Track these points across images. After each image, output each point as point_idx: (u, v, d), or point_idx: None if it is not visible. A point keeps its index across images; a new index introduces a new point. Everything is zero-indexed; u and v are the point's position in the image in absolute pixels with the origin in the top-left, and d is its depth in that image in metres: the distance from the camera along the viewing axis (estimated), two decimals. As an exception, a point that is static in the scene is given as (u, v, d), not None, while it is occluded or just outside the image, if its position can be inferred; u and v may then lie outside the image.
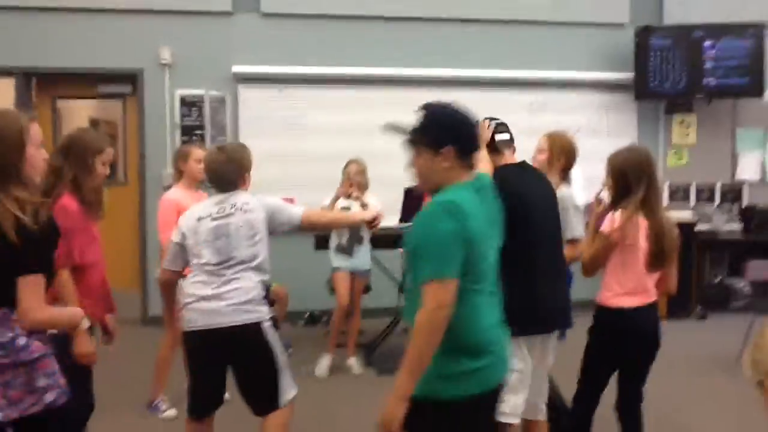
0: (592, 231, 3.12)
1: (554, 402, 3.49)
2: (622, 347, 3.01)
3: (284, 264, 5.51)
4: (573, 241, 3.31)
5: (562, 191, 3.34)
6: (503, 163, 2.89)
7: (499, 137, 2.93)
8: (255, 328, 2.89)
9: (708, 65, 6.58)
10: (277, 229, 3.04)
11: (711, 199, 6.97)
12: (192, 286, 2.93)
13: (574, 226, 3.32)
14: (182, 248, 2.98)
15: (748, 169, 6.97)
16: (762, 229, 6.62)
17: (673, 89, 6.64)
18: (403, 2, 6.48)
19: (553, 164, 3.47)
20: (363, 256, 5.08)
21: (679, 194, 6.95)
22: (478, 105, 5.92)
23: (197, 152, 4.17)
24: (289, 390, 2.96)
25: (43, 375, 2.04)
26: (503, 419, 2.64)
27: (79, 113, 6.94)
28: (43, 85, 6.51)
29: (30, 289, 2.01)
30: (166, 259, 3.05)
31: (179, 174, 4.26)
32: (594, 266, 3.05)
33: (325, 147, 6.29)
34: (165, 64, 6.26)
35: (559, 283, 2.92)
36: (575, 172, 3.58)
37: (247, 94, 6.35)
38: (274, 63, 6.32)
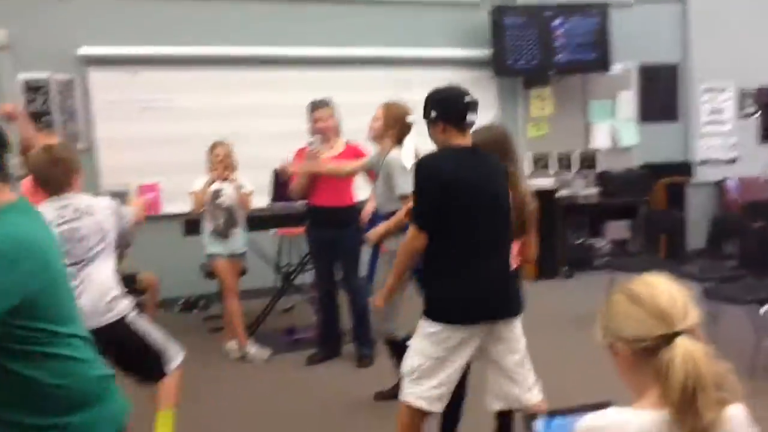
0: None
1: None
2: None
3: (152, 251, 5.31)
4: (404, 197, 3.43)
5: (390, 155, 3.68)
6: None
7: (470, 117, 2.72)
8: (121, 323, 2.92)
9: (558, 42, 6.90)
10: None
11: (569, 166, 7.35)
12: None
13: (401, 185, 3.53)
14: None
15: (600, 138, 7.39)
16: (616, 193, 7.06)
17: (528, 65, 6.91)
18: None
19: (387, 131, 3.65)
20: (239, 239, 4.92)
21: (541, 163, 7.27)
22: (344, 83, 5.89)
23: (42, 141, 3.89)
24: (174, 358, 3.09)
25: None
26: (411, 401, 2.69)
27: None
28: None
29: None
30: None
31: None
32: None
33: (186, 130, 6.05)
34: (2, 46, 5.75)
35: (495, 272, 2.70)
36: (409, 139, 3.74)
37: (99, 77, 5.95)
38: (125, 43, 5.95)
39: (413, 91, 6.61)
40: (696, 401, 1.28)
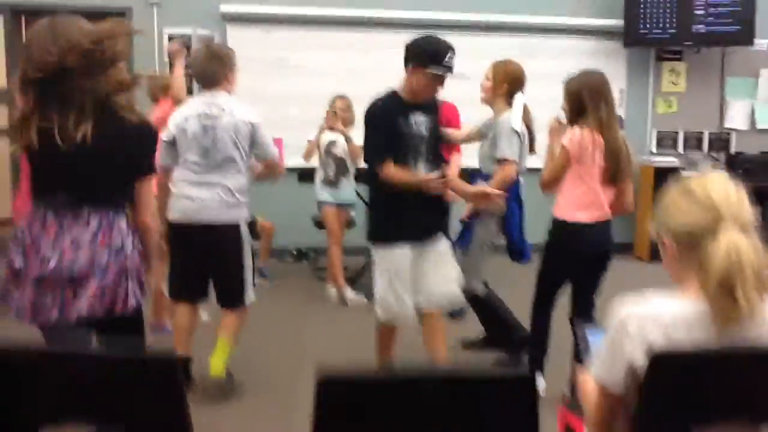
0: (550, 149, 3.19)
1: (508, 320, 3.71)
2: (576, 258, 3.09)
3: (268, 199, 5.63)
4: (501, 161, 3.42)
5: (501, 117, 3.61)
6: None
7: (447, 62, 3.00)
8: (235, 228, 3.22)
9: (698, 12, 6.55)
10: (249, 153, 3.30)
11: (699, 147, 6.99)
12: (180, 183, 3.20)
13: (503, 148, 3.51)
14: (172, 146, 3.22)
15: (736, 118, 6.97)
16: (748, 175, 6.64)
17: (662, 35, 6.62)
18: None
19: (497, 90, 3.60)
20: (348, 189, 5.14)
21: (667, 142, 6.96)
22: (468, 49, 5.96)
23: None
24: (251, 292, 3.34)
25: (136, 283, 2.11)
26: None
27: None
28: (32, 23, 6.50)
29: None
30: (159, 156, 3.17)
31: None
32: (553, 180, 3.13)
33: (311, 88, 6.30)
34: (153, 3, 6.25)
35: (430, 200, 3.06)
36: (518, 98, 3.66)
37: (236, 33, 6.35)
38: (261, 2, 6.30)
39: (538, 59, 6.60)
40: (735, 292, 1.27)
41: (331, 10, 6.39)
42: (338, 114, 5.06)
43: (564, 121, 3.19)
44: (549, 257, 3.21)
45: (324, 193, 5.14)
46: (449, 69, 2.96)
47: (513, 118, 3.58)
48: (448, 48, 2.97)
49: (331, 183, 5.09)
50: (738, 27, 6.53)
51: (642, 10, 6.57)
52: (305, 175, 5.41)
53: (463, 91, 3.94)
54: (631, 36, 6.63)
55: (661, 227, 1.44)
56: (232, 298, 3.30)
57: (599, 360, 1.44)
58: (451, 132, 3.68)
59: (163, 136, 3.17)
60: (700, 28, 6.56)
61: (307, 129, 5.36)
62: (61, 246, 2.00)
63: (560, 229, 3.13)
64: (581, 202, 3.06)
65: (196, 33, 6.27)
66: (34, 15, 6.35)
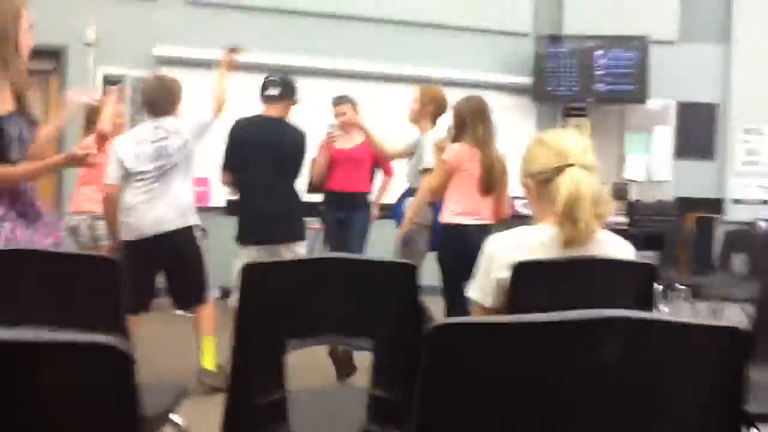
0: (438, 163, 3.62)
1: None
2: (464, 257, 3.46)
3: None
4: (427, 170, 3.83)
5: (427, 133, 4.03)
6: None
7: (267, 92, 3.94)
8: (189, 231, 3.55)
9: (598, 72, 7.24)
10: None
11: (602, 196, 7.57)
12: (133, 197, 3.47)
13: (428, 158, 3.90)
14: (122, 168, 3.50)
15: (634, 170, 7.62)
16: (645, 221, 7.24)
17: (568, 93, 7.27)
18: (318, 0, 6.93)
19: (423, 111, 4.03)
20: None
21: (574, 191, 7.52)
22: (390, 99, 6.32)
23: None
24: (211, 288, 3.66)
25: None
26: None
27: (-1, 89, 7.02)
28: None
29: None
30: (108, 176, 3.44)
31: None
32: (437, 187, 3.53)
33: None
34: (89, 43, 6.48)
35: (273, 207, 3.71)
36: (443, 119, 4.10)
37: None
38: (196, 46, 6.60)
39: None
40: (575, 212, 1.60)
41: (262, 57, 6.75)
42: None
43: (445, 144, 3.65)
44: (443, 260, 3.54)
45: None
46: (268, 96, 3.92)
47: (438, 133, 3.98)
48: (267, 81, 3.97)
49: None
50: (633, 86, 7.25)
51: (549, 70, 7.22)
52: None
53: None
54: (539, 92, 7.25)
55: (524, 174, 1.78)
56: (194, 300, 3.60)
57: (474, 284, 1.73)
58: (384, 145, 4.23)
59: (112, 159, 3.53)
60: (601, 86, 7.25)
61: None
62: None
63: (446, 231, 3.50)
64: (461, 208, 3.46)
65: (131, 75, 6.50)
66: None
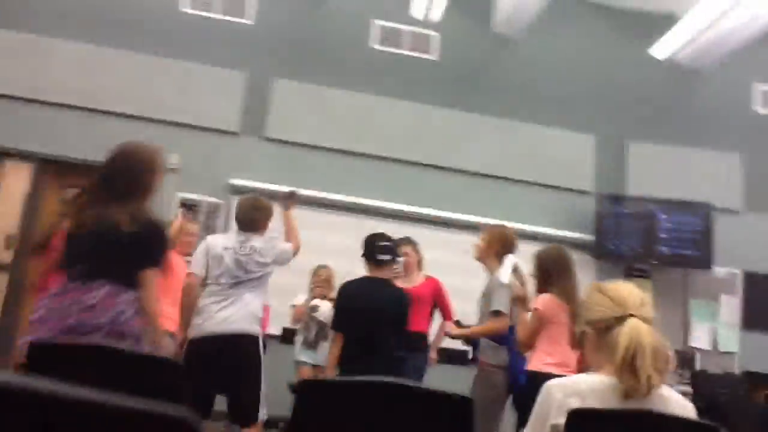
0: (520, 318, 3.58)
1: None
2: None
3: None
4: (496, 313, 3.78)
5: (495, 275, 3.98)
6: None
7: (379, 256, 3.94)
8: (255, 340, 3.63)
9: (662, 235, 7.23)
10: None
11: (664, 362, 7.30)
12: (206, 299, 3.61)
13: (498, 300, 3.80)
14: (206, 257, 3.72)
15: (699, 338, 7.37)
16: (709, 396, 6.88)
17: (630, 253, 7.24)
18: (390, 145, 7.27)
19: (489, 251, 4.06)
20: (326, 352, 5.35)
21: (634, 353, 7.28)
22: (454, 246, 6.51)
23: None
24: (263, 407, 3.68)
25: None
26: None
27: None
28: (55, 174, 7.10)
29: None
30: (193, 265, 3.70)
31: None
32: (528, 338, 3.45)
33: (303, 262, 6.73)
34: (172, 168, 6.90)
35: (377, 364, 3.61)
36: (509, 257, 4.06)
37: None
38: (267, 181, 6.95)
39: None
40: (635, 363, 1.58)
41: (332, 195, 7.04)
42: (323, 280, 5.44)
43: (520, 291, 3.63)
44: (526, 406, 3.42)
45: (302, 355, 5.37)
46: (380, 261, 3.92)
47: (502, 273, 3.96)
48: (382, 245, 3.98)
49: (311, 345, 5.34)
50: (698, 252, 7.17)
51: (611, 228, 7.25)
52: (288, 335, 5.67)
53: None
54: (601, 250, 7.24)
55: (583, 323, 1.77)
56: (247, 414, 3.61)
57: (530, 426, 1.69)
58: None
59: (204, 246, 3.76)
60: (664, 249, 7.20)
61: (289, 296, 5.71)
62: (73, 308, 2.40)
63: (533, 380, 3.38)
64: (554, 359, 3.36)
65: (205, 200, 6.85)
66: (58, 166, 6.97)
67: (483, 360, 3.99)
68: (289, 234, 4.18)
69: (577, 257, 7.24)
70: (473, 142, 7.46)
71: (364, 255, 4.02)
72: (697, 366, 7.28)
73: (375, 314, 3.78)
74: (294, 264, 6.57)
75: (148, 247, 2.55)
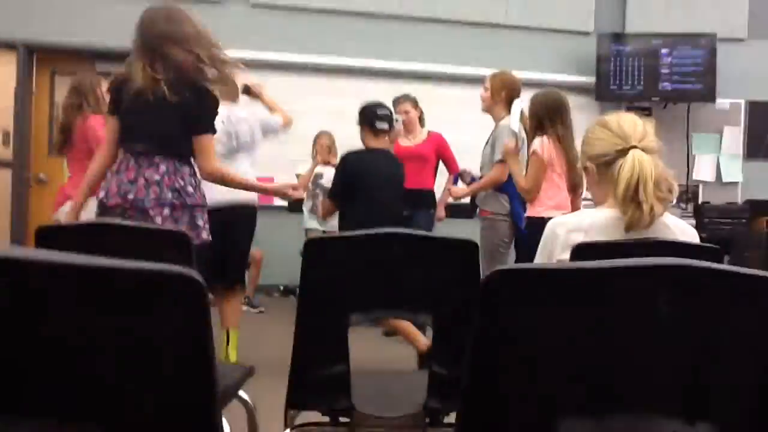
0: (514, 169, 3.56)
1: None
2: None
3: (261, 235, 5.92)
4: (500, 162, 3.77)
5: (501, 122, 3.88)
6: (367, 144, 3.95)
7: (378, 125, 3.89)
8: (251, 209, 3.85)
9: (664, 71, 7.08)
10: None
11: (668, 198, 7.40)
12: None
13: (502, 148, 3.77)
14: None
15: (703, 171, 7.41)
16: (713, 225, 7.03)
17: (632, 91, 7.13)
18: (379, 1, 7.00)
19: (495, 98, 3.96)
20: (334, 218, 5.43)
21: (638, 192, 7.37)
22: (451, 99, 6.39)
23: None
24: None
25: (201, 217, 2.59)
26: None
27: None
28: (43, 59, 6.92)
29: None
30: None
31: None
32: (536, 186, 3.44)
33: (296, 129, 6.69)
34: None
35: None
36: (516, 103, 3.98)
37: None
38: (258, 49, 6.76)
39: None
40: (637, 194, 1.59)
41: (322, 58, 6.86)
42: (325, 148, 5.43)
43: (512, 143, 3.60)
44: (526, 249, 3.51)
45: (311, 222, 5.46)
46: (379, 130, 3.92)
47: (511, 120, 3.89)
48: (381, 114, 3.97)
49: (318, 213, 5.40)
50: (701, 86, 7.06)
51: (612, 69, 7.10)
52: (295, 206, 5.74)
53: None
54: (602, 91, 7.13)
55: (584, 156, 1.77)
56: (234, 277, 3.80)
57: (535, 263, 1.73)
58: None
59: None
60: (666, 85, 7.08)
61: (294, 167, 5.72)
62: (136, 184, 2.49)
63: (535, 225, 3.40)
64: (554, 202, 3.41)
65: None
66: (45, 52, 6.78)
67: (485, 210, 4.01)
68: (273, 112, 4.20)
69: (579, 101, 7.24)
70: (466, -10, 7.16)
71: (361, 123, 4.01)
72: (701, 199, 7.38)
73: (380, 189, 3.87)
74: (296, 133, 6.60)
75: (205, 114, 2.60)
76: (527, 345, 0.75)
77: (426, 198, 4.92)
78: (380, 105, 4.00)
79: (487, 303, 0.72)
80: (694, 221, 7.17)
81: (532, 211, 3.47)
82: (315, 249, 1.40)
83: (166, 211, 2.49)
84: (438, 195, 5.14)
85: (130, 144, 2.59)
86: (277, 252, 6.18)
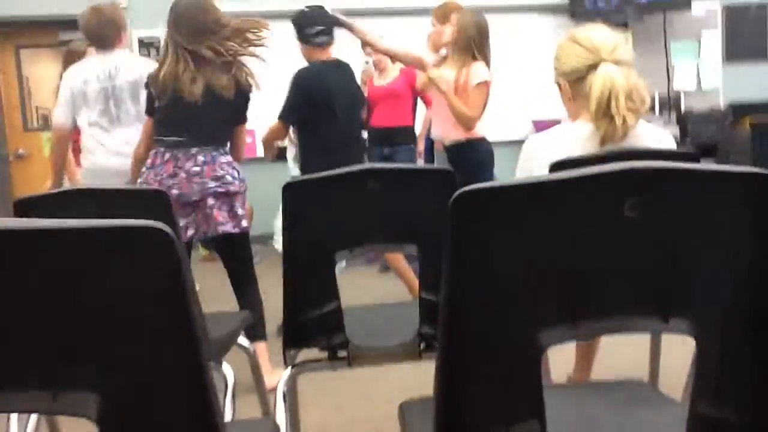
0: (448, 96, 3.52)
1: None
2: None
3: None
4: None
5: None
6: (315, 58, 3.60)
7: (317, 40, 3.59)
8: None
9: (638, -19, 6.97)
10: None
11: (651, 109, 7.37)
12: (90, 147, 3.30)
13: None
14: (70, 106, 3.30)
15: (683, 79, 7.38)
16: (698, 133, 7.05)
17: (606, 7, 7.03)
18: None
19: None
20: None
21: (620, 107, 7.35)
22: (418, 32, 6.17)
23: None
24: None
25: (240, 206, 2.64)
26: None
27: (42, 62, 7.20)
28: (5, 34, 6.77)
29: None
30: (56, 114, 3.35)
31: None
32: (481, 115, 3.47)
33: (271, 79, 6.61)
34: (123, 7, 6.54)
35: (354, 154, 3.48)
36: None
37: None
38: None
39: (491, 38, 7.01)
40: (609, 108, 1.60)
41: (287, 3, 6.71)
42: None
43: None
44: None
45: (296, 170, 5.43)
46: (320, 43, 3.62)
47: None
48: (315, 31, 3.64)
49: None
50: (675, -7, 6.97)
51: (585, -16, 6.99)
52: (279, 152, 5.70)
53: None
54: (576, 9, 7.03)
55: (558, 74, 1.77)
56: None
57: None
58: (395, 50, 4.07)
59: (61, 95, 3.32)
60: (640, -3, 6.99)
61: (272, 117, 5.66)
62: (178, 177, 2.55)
63: (480, 145, 3.59)
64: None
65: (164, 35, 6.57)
66: (6, 26, 6.62)
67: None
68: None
69: (552, 21, 7.15)
70: None
71: (300, 40, 3.72)
72: (683, 108, 7.37)
73: (343, 107, 3.58)
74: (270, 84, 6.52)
75: (243, 107, 2.74)
76: (500, 261, 0.77)
77: (406, 134, 4.93)
78: (311, 17, 3.71)
79: (455, 224, 0.74)
80: (677, 130, 7.19)
81: (470, 134, 3.50)
82: (293, 192, 1.41)
83: (211, 200, 2.56)
84: (418, 130, 5.15)
85: (164, 137, 2.64)
86: (267, 201, 6.18)
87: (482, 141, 3.58)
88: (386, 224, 1.45)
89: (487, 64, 3.60)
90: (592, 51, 1.67)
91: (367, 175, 1.37)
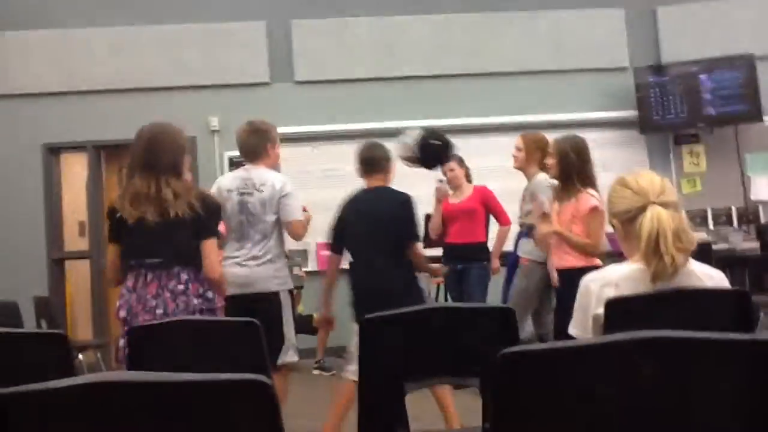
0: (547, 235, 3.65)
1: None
2: None
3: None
4: (545, 215, 3.85)
5: (537, 178, 4.21)
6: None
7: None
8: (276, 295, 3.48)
9: (706, 96, 7.10)
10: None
11: (728, 222, 7.31)
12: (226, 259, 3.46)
13: (544, 201, 3.90)
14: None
15: (761, 190, 7.32)
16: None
17: (676, 121, 7.16)
18: (417, 63, 7.29)
19: (530, 158, 4.19)
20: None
21: (697, 219, 7.31)
22: (502, 149, 6.43)
23: None
24: (289, 356, 3.47)
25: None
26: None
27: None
28: (110, 157, 7.45)
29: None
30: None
31: None
32: (601, 243, 3.51)
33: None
34: (214, 130, 7.14)
35: (374, 279, 3.53)
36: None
37: (286, 152, 7.11)
38: (307, 123, 7.12)
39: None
40: (659, 247, 1.73)
41: (370, 124, 7.14)
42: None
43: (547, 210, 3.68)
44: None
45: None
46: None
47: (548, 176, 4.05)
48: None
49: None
50: (745, 106, 7.04)
51: (653, 100, 7.16)
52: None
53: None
54: (646, 124, 7.19)
55: (611, 216, 1.92)
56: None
57: (574, 321, 1.87)
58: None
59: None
60: (710, 110, 7.09)
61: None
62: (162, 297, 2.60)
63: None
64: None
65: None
66: (111, 150, 7.29)
67: (523, 257, 4.24)
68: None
69: (623, 135, 7.31)
70: (499, 41, 7.40)
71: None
72: (762, 219, 7.27)
73: (369, 225, 3.62)
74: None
75: (210, 222, 2.70)
76: (533, 416, 0.91)
77: (479, 250, 5.08)
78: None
79: (497, 382, 0.89)
80: (758, 243, 7.06)
81: (587, 261, 3.47)
82: (370, 327, 1.58)
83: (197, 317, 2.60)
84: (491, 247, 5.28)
85: (143, 260, 2.65)
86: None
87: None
88: (451, 358, 1.60)
89: (593, 184, 3.62)
90: (640, 194, 1.82)
91: (434, 314, 1.53)
